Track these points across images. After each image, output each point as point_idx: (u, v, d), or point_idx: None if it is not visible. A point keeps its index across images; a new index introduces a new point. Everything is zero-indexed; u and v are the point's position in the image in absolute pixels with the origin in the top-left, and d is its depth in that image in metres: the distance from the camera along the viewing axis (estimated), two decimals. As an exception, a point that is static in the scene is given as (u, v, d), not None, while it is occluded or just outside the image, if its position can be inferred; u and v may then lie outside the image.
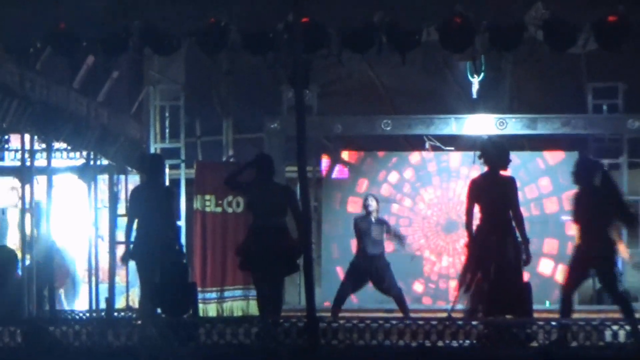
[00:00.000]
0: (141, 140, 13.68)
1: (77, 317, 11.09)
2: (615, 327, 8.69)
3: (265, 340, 8.67)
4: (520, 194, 10.39)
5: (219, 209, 13.71)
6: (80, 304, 14.03)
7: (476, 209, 10.11)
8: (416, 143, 14.96)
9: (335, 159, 14.85)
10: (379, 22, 11.20)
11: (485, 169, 10.19)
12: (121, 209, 13.28)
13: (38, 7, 11.48)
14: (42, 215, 11.50)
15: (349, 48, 11.47)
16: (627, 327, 8.73)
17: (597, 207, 9.89)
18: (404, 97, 15.10)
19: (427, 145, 14.77)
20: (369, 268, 12.44)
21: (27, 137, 11.03)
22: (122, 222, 12.91)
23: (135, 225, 10.84)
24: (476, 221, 10.12)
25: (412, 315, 10.15)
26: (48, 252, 11.36)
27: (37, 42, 11.47)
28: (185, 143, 14.13)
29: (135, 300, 13.22)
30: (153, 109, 14.12)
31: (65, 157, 14.25)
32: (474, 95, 13.86)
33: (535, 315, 9.95)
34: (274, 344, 8.62)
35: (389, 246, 12.98)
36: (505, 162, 10.17)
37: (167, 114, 14.16)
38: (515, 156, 12.15)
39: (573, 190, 10.19)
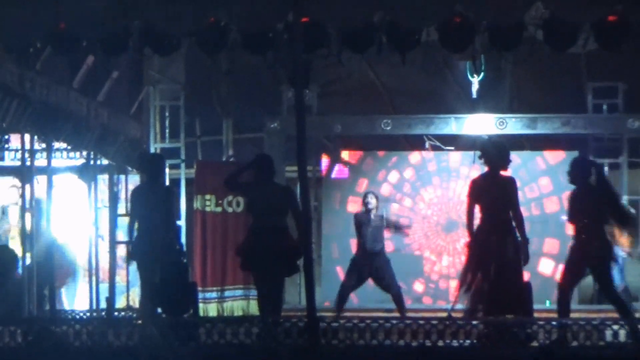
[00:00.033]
0: (141, 140, 13.68)
1: (78, 316, 11.09)
2: (615, 327, 8.69)
3: (265, 340, 8.67)
4: (520, 194, 10.40)
5: (219, 209, 13.70)
6: (80, 303, 14.02)
7: (476, 208, 10.12)
8: (416, 143, 14.96)
9: (335, 159, 14.85)
10: (379, 22, 11.20)
11: (486, 169, 10.20)
12: (121, 208, 13.29)
13: (38, 6, 11.48)
14: (43, 213, 11.51)
15: (348, 48, 11.47)
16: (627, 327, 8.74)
17: (593, 207, 9.90)
18: (404, 96, 15.11)
19: (427, 145, 14.77)
20: (369, 265, 12.43)
21: (27, 137, 11.04)
22: (122, 221, 12.96)
23: (136, 225, 10.85)
24: (476, 221, 10.12)
25: (413, 315, 10.13)
26: (49, 251, 11.37)
27: (37, 41, 11.47)
28: (185, 143, 14.14)
29: (135, 299, 13.23)
30: (153, 109, 14.12)
31: (66, 157, 14.28)
32: (474, 95, 13.86)
33: (536, 314, 9.95)
34: (275, 343, 8.62)
35: (389, 245, 13.00)
36: (505, 163, 10.18)
37: (167, 114, 14.16)
38: (515, 156, 12.17)
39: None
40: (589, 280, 11.63)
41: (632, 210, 13.71)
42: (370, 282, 12.74)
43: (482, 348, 8.72)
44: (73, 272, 14.22)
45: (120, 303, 13.52)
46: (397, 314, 11.75)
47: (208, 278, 13.61)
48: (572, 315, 9.72)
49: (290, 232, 10.30)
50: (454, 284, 13.73)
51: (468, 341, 8.81)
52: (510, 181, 10.18)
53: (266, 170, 10.42)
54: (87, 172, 12.67)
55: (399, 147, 15.13)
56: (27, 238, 11.09)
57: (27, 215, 11.25)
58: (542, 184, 14.52)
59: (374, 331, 8.67)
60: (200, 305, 12.25)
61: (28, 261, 10.87)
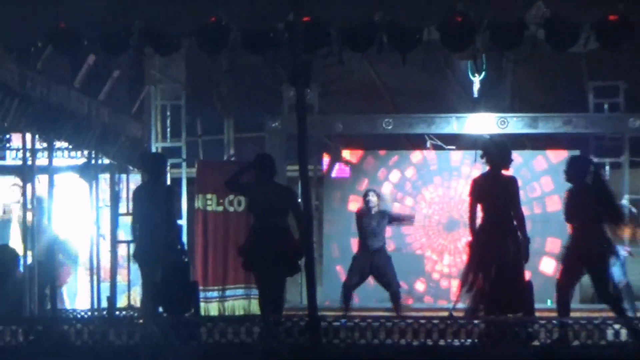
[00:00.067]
0: (142, 140, 13.69)
1: (79, 316, 11.09)
2: (617, 326, 8.68)
3: (267, 339, 8.67)
4: (522, 193, 10.41)
5: (220, 208, 13.71)
6: (81, 302, 14.03)
7: (478, 208, 10.12)
8: (417, 142, 14.95)
9: (335, 158, 14.85)
10: (380, 21, 11.19)
11: (487, 168, 10.20)
12: (122, 208, 13.30)
13: (39, 6, 11.47)
14: (44, 212, 11.51)
15: (349, 47, 11.46)
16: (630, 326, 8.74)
17: (589, 205, 9.90)
18: (405, 96, 15.10)
19: (428, 144, 14.76)
20: (370, 262, 12.43)
21: (28, 136, 11.05)
22: (123, 221, 12.97)
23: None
24: (478, 220, 10.12)
25: (414, 314, 10.13)
26: (50, 250, 11.38)
27: (38, 41, 11.47)
28: (187, 142, 14.14)
29: (136, 299, 13.24)
30: (154, 108, 14.12)
31: (67, 156, 14.29)
32: (475, 94, 13.86)
33: (537, 314, 9.95)
34: (276, 343, 8.62)
35: (390, 245, 13.00)
36: (507, 162, 10.18)
37: (168, 113, 14.17)
38: (517, 155, 12.18)
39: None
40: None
41: (634, 210, 13.74)
42: (371, 282, 12.75)
43: (483, 347, 8.72)
44: (74, 270, 14.21)
45: (121, 302, 13.53)
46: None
47: (209, 277, 13.61)
48: (574, 314, 9.72)
49: (292, 232, 10.31)
50: (455, 283, 13.73)
51: (469, 340, 8.81)
52: (512, 180, 10.18)
53: (267, 170, 10.42)
54: (88, 172, 12.68)
55: (400, 147, 15.13)
56: (28, 237, 11.10)
57: (29, 215, 11.26)
58: (544, 183, 14.51)
59: (376, 330, 8.67)
60: (202, 304, 12.25)
61: (29, 260, 10.87)
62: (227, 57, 13.18)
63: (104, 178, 13.40)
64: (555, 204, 14.40)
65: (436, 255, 14.69)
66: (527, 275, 10.40)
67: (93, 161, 12.54)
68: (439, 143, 14.75)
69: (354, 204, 14.24)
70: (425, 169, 14.80)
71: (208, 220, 13.72)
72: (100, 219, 12.77)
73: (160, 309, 10.18)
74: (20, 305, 10.54)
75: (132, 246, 12.05)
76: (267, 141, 14.15)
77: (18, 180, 13.19)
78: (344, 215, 14.43)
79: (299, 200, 10.29)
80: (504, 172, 10.17)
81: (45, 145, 11.53)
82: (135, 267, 11.62)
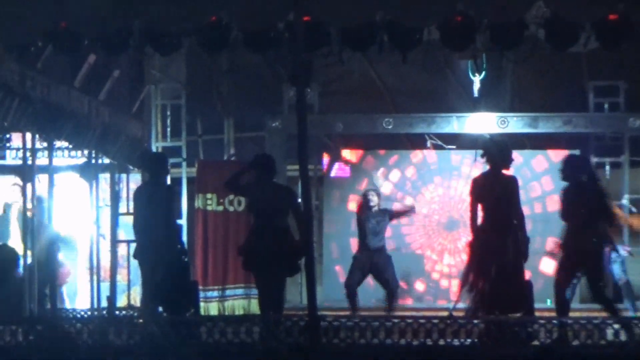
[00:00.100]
0: (142, 139, 13.69)
1: (79, 315, 11.09)
2: (616, 326, 8.68)
3: (266, 339, 8.67)
4: (523, 192, 10.40)
5: (220, 208, 13.71)
6: (81, 301, 14.04)
7: (479, 207, 10.13)
8: (417, 142, 14.95)
9: (335, 157, 14.85)
10: (380, 20, 11.18)
11: (488, 167, 10.20)
12: (122, 207, 13.30)
13: (39, 5, 11.47)
14: (44, 212, 11.51)
15: (350, 47, 11.45)
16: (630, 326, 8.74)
17: (584, 204, 9.89)
18: (405, 95, 15.10)
19: (428, 143, 14.77)
20: (370, 261, 12.43)
21: (28, 135, 11.04)
22: (124, 220, 12.97)
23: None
24: (478, 220, 10.12)
25: (414, 313, 10.13)
26: (50, 249, 11.38)
27: (38, 40, 11.46)
28: (187, 142, 14.14)
29: (136, 298, 13.24)
30: (154, 108, 14.13)
31: (67, 156, 14.29)
32: (475, 94, 13.86)
33: (537, 313, 9.95)
34: (276, 342, 8.62)
35: (389, 244, 13.00)
36: (508, 162, 10.18)
37: (168, 113, 14.17)
38: (518, 154, 12.17)
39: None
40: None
41: (634, 210, 13.75)
42: (370, 282, 12.74)
43: (483, 347, 8.72)
44: (74, 258, 14.21)
45: (121, 302, 13.53)
46: (397, 313, 11.73)
47: (209, 277, 13.62)
48: (574, 314, 9.72)
49: (292, 232, 10.30)
50: (455, 283, 13.74)
51: (469, 340, 8.80)
52: (512, 180, 10.18)
53: (268, 170, 10.41)
54: (88, 171, 12.67)
55: (401, 146, 15.13)
56: (28, 237, 11.10)
57: (29, 214, 11.26)
58: (545, 183, 14.51)
59: (375, 330, 8.67)
60: (202, 304, 12.26)
61: (29, 260, 10.87)
62: (228, 57, 13.22)
63: (104, 178, 13.40)
64: (556, 204, 14.24)
65: (436, 255, 14.69)
66: (527, 274, 10.40)
67: (93, 161, 12.54)
68: (439, 143, 14.75)
69: (354, 204, 14.23)
70: (425, 168, 14.80)
71: (208, 220, 13.72)
72: (101, 218, 12.78)
73: (160, 309, 10.18)
74: (20, 305, 10.53)
75: (132, 246, 12.05)
76: (267, 141, 14.15)
77: (18, 180, 13.18)
78: (344, 215, 14.43)
79: (299, 200, 10.28)
80: (504, 171, 10.17)
81: (45, 144, 11.53)
82: (135, 266, 11.62)
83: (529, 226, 10.20)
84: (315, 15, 10.99)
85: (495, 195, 10.00)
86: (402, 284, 12.77)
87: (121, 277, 13.41)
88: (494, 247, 9.88)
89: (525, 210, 10.28)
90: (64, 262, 13.42)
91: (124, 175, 13.52)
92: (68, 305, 13.71)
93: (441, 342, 8.63)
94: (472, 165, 13.85)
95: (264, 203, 10.25)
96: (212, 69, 13.95)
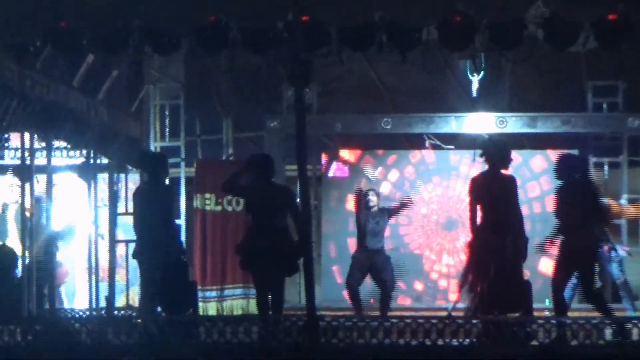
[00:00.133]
0: (141, 139, 13.68)
1: (77, 315, 11.09)
2: (615, 326, 8.69)
3: (265, 339, 8.67)
4: (521, 192, 10.41)
5: (218, 208, 13.70)
6: (80, 301, 14.02)
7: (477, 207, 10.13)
8: (416, 142, 14.95)
9: (333, 157, 14.85)
10: (380, 20, 11.18)
11: (486, 167, 10.20)
12: (121, 207, 13.29)
13: (38, 5, 11.47)
14: (43, 212, 11.50)
15: (349, 47, 11.45)
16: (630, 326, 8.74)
17: (577, 203, 9.90)
18: (404, 95, 15.10)
19: (427, 143, 14.76)
20: (370, 261, 12.43)
21: (27, 135, 11.03)
22: (122, 220, 12.96)
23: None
24: (477, 219, 10.13)
25: (413, 313, 10.13)
26: (49, 249, 11.37)
27: (37, 40, 11.44)
28: (185, 142, 14.13)
29: (135, 298, 13.23)
30: (153, 108, 14.12)
31: (65, 156, 14.26)
32: (474, 94, 13.86)
33: (536, 313, 9.95)
34: (275, 342, 8.62)
35: (388, 244, 12.99)
36: (506, 162, 10.19)
37: (167, 113, 14.16)
38: (516, 154, 12.16)
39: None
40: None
41: (633, 208, 13.73)
42: (368, 282, 12.73)
43: (481, 347, 8.72)
44: (71, 270, 14.21)
45: (120, 302, 13.52)
46: (397, 313, 11.73)
47: (208, 277, 13.61)
48: (573, 314, 9.72)
49: (291, 232, 10.29)
50: (453, 282, 13.75)
51: (468, 340, 8.81)
52: (511, 180, 10.18)
53: (266, 170, 10.39)
54: (87, 171, 12.66)
55: (399, 146, 15.13)
56: (26, 237, 11.09)
57: (27, 214, 11.25)
58: (543, 183, 14.51)
59: (374, 330, 8.67)
60: (200, 304, 12.25)
61: (27, 260, 10.86)
62: (227, 57, 13.19)
63: (103, 177, 13.40)
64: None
65: (434, 255, 14.68)
66: (526, 274, 10.40)
67: (92, 160, 12.52)
68: (438, 142, 14.74)
69: (352, 204, 14.24)
70: (423, 168, 14.80)
71: (207, 220, 13.71)
72: (99, 218, 12.77)
73: (159, 309, 10.17)
74: (18, 305, 10.52)
75: (130, 245, 12.04)
76: (266, 141, 14.15)
77: (16, 180, 13.17)
78: (342, 215, 14.43)
79: (298, 200, 10.28)
80: (503, 171, 10.17)
81: (43, 144, 11.51)
82: (133, 266, 11.61)
83: (527, 226, 10.20)
84: (315, 15, 10.99)
85: (494, 195, 10.00)
86: (400, 284, 12.76)
87: (120, 277, 13.40)
88: (493, 247, 9.89)
89: (524, 210, 10.29)
90: (62, 262, 13.41)
91: (122, 175, 13.51)
92: (66, 305, 13.69)
93: (440, 342, 8.63)
94: (471, 165, 13.85)
95: (262, 203, 10.24)
96: (211, 69, 13.94)
